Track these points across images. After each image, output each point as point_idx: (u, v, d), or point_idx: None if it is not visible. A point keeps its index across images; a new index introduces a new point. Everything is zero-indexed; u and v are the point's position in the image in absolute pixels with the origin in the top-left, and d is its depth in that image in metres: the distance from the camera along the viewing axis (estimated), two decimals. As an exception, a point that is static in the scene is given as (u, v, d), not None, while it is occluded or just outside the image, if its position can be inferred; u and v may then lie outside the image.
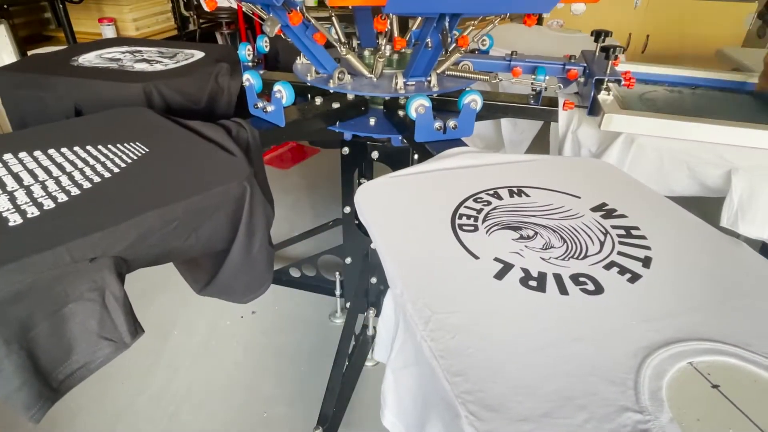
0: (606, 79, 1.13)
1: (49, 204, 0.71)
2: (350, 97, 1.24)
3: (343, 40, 1.16)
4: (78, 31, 2.65)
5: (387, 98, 1.28)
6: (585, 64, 1.27)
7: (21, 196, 0.73)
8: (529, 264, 0.69)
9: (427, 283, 0.65)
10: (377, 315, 1.66)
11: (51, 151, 0.87)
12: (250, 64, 1.37)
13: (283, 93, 1.08)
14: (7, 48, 2.27)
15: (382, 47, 1.22)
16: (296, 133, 1.16)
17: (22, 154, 0.85)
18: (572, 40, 2.05)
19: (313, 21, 1.06)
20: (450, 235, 0.75)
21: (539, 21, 2.67)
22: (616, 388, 0.50)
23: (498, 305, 0.61)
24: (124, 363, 1.60)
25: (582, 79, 1.29)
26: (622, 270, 0.68)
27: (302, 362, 1.66)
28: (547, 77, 1.23)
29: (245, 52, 1.35)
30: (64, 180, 0.78)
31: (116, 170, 0.82)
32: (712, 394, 0.50)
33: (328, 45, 1.14)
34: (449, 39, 0.97)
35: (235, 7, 1.23)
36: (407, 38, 1.31)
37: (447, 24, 0.96)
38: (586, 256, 0.71)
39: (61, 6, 2.47)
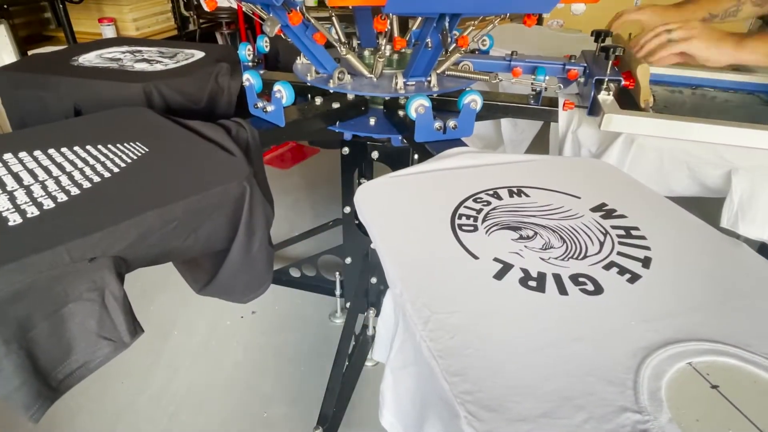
0: (606, 79, 1.13)
1: (48, 204, 0.71)
2: (350, 97, 1.24)
3: (343, 40, 1.17)
4: (78, 31, 2.65)
5: (387, 98, 1.28)
6: (585, 64, 1.27)
7: (21, 196, 0.73)
8: (528, 264, 0.69)
9: (426, 283, 0.65)
10: (377, 315, 1.66)
11: (51, 151, 0.87)
12: (250, 64, 1.37)
13: (283, 93, 1.08)
14: (7, 48, 2.27)
15: (382, 47, 1.22)
16: (296, 133, 1.17)
17: (22, 154, 0.85)
18: (576, 40, 2.05)
19: (313, 21, 1.06)
20: (450, 235, 0.75)
21: (539, 21, 2.67)
22: (615, 388, 0.50)
23: (497, 305, 0.61)
24: (124, 363, 1.60)
25: (582, 79, 1.29)
26: (622, 270, 0.68)
27: (302, 362, 1.66)
28: (547, 77, 1.23)
29: (245, 52, 1.35)
30: (64, 180, 0.78)
31: (116, 170, 0.82)
32: (711, 395, 0.50)
33: (328, 45, 1.14)
34: (449, 39, 0.97)
35: (235, 7, 1.24)
36: (407, 38, 1.31)
37: (447, 24, 0.96)
38: (585, 257, 0.71)
39: (61, 6, 2.48)
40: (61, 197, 0.73)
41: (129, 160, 0.85)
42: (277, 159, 3.01)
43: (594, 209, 0.83)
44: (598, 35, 1.27)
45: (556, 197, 0.86)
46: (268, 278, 0.98)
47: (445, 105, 1.25)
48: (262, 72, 1.41)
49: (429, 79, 1.16)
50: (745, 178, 1.07)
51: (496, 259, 0.70)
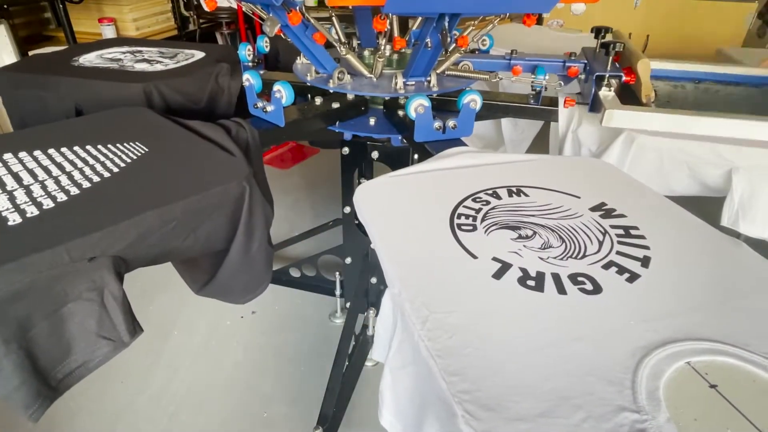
0: (606, 75, 1.13)
1: (48, 203, 0.71)
2: (350, 97, 1.24)
3: (343, 40, 1.17)
4: (78, 31, 2.65)
5: (387, 98, 1.28)
6: (585, 61, 1.27)
7: (20, 196, 0.73)
8: (527, 263, 0.69)
9: (425, 282, 0.65)
10: (377, 315, 1.66)
11: (51, 151, 0.87)
12: (250, 64, 1.37)
13: (283, 93, 1.08)
14: (7, 48, 2.27)
15: (382, 47, 1.22)
16: (296, 133, 1.17)
17: (22, 154, 0.85)
18: (576, 40, 2.04)
19: (312, 21, 1.06)
20: (449, 234, 0.75)
21: (539, 21, 2.67)
22: (613, 387, 0.50)
23: (496, 305, 0.62)
24: (124, 363, 1.60)
25: (582, 76, 1.28)
26: (621, 270, 0.68)
27: (302, 362, 1.66)
28: (548, 75, 1.23)
29: (245, 52, 1.35)
30: (64, 179, 0.78)
31: (116, 170, 0.82)
32: (709, 394, 0.50)
33: (328, 45, 1.14)
34: (449, 39, 0.97)
35: (235, 7, 1.24)
36: (407, 38, 1.31)
37: (446, 24, 0.96)
38: (584, 256, 0.71)
39: (61, 6, 2.47)
40: (61, 197, 0.73)
41: (129, 160, 0.85)
42: (277, 159, 3.01)
43: (593, 209, 0.83)
44: (598, 32, 1.26)
45: (556, 197, 0.86)
46: (267, 278, 0.98)
47: (444, 105, 1.25)
48: (262, 72, 1.41)
49: (429, 79, 1.16)
50: (745, 177, 1.07)
51: (495, 259, 0.70)
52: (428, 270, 0.67)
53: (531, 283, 0.65)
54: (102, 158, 0.86)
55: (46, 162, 0.83)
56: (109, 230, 0.66)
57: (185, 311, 1.84)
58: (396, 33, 1.22)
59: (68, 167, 0.82)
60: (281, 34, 1.11)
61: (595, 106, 1.16)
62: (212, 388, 1.56)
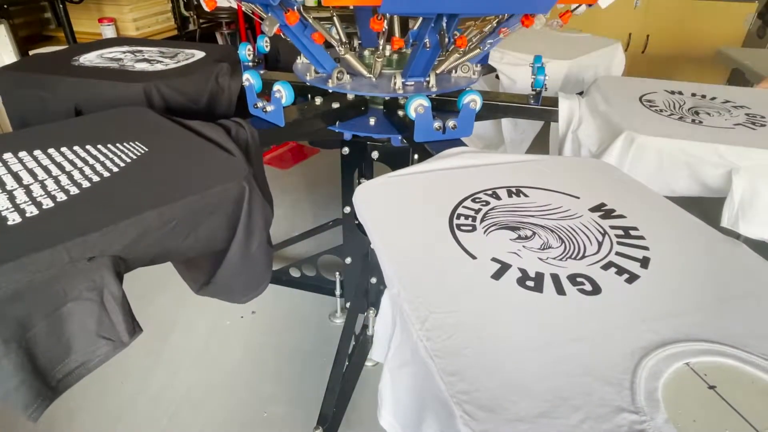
0: None
1: (48, 203, 0.71)
2: (350, 97, 1.24)
3: (343, 40, 1.17)
4: (78, 31, 2.65)
5: (387, 98, 1.28)
6: None
7: (20, 195, 0.73)
8: (526, 264, 0.69)
9: (424, 282, 0.65)
10: (377, 315, 1.66)
11: (51, 151, 0.87)
12: (250, 63, 1.37)
13: (283, 93, 1.08)
14: (7, 48, 2.27)
15: (381, 47, 1.22)
16: (296, 133, 1.17)
17: (22, 154, 0.85)
18: (579, 40, 2.02)
19: (311, 21, 1.06)
20: (448, 235, 0.75)
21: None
22: (612, 388, 0.50)
23: (495, 305, 0.62)
24: (124, 363, 1.60)
25: None
26: (620, 270, 0.68)
27: (302, 362, 1.66)
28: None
29: (245, 51, 1.35)
30: (64, 179, 0.78)
31: (115, 169, 0.82)
32: (708, 395, 0.50)
33: (329, 45, 1.14)
34: (447, 39, 0.97)
35: (235, 7, 1.24)
36: (405, 38, 1.31)
37: (444, 24, 0.96)
38: (584, 257, 0.71)
39: (61, 6, 2.47)
40: (61, 197, 0.73)
41: (128, 160, 0.86)
42: (277, 159, 3.01)
43: (593, 209, 0.83)
44: None
45: (555, 197, 0.86)
46: (267, 278, 0.98)
47: (444, 105, 1.26)
48: (262, 72, 1.41)
49: (428, 79, 1.16)
50: (745, 177, 1.07)
51: (494, 259, 0.70)
52: (427, 270, 0.68)
53: (530, 283, 0.65)
54: (102, 158, 0.86)
55: (45, 162, 0.83)
56: (109, 230, 0.66)
57: (185, 311, 1.84)
58: (397, 33, 1.22)
59: (68, 167, 0.82)
60: (281, 34, 1.11)
61: None
62: (212, 388, 1.56)
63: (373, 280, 1.53)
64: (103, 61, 1.35)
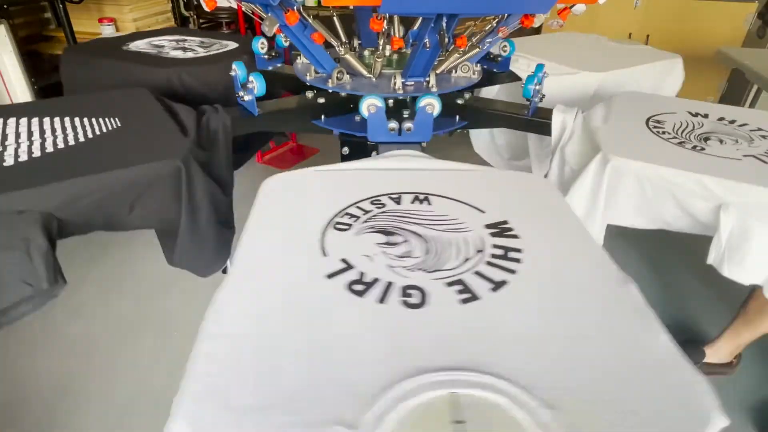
0: None
1: (9, 162, 0.82)
2: (342, 93, 1.25)
3: (343, 39, 1.17)
4: (78, 31, 2.65)
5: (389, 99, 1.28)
6: None
7: (-11, 153, 0.85)
8: (370, 269, 0.68)
9: (258, 267, 0.67)
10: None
11: (44, 120, 0.99)
12: (265, 56, 1.41)
13: (255, 84, 1.09)
14: (6, 48, 2.27)
15: (381, 47, 1.22)
16: (272, 123, 1.20)
17: (11, 120, 0.97)
18: (634, 52, 1.89)
19: (310, 21, 1.06)
20: (318, 231, 0.75)
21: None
22: (350, 401, 0.48)
23: (314, 302, 0.62)
24: (125, 363, 1.61)
25: None
26: (465, 290, 0.65)
27: (302, 362, 1.66)
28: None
29: (259, 45, 1.39)
30: (36, 144, 0.89)
31: (82, 139, 0.92)
32: (452, 429, 0.47)
33: (329, 44, 1.14)
34: (446, 39, 0.97)
35: (235, 7, 1.25)
36: (405, 38, 1.31)
37: (444, 24, 0.96)
38: (437, 270, 0.68)
39: (61, 6, 2.47)
40: (23, 158, 0.84)
41: (98, 133, 0.95)
42: (277, 159, 3.01)
43: (489, 225, 0.79)
44: None
45: (459, 209, 0.83)
46: (223, 256, 1.04)
47: (446, 105, 1.25)
48: (279, 65, 1.46)
49: (428, 79, 1.16)
50: (734, 214, 0.94)
51: (343, 260, 0.69)
52: (271, 259, 0.68)
53: (358, 287, 0.64)
54: (79, 128, 0.96)
55: (33, 128, 0.94)
56: (38, 189, 0.75)
57: (185, 312, 1.84)
58: (398, 33, 1.22)
59: (47, 134, 0.92)
60: (280, 34, 1.11)
61: None
62: (212, 388, 1.56)
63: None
64: (147, 47, 1.53)
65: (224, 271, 1.91)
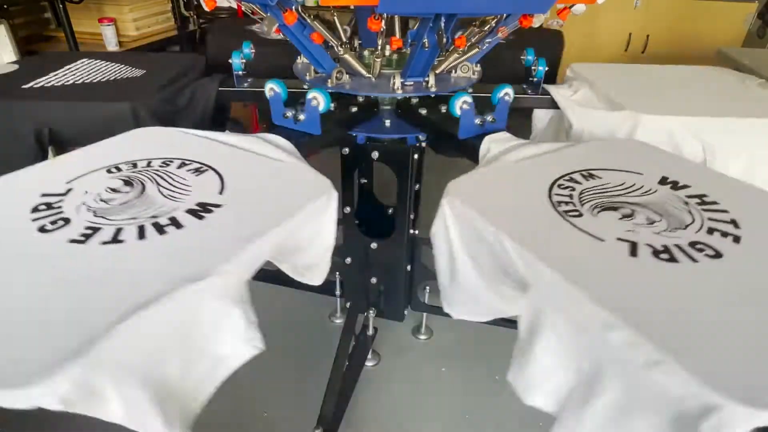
0: None
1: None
2: (359, 98, 1.25)
3: (343, 39, 1.17)
4: (78, 31, 2.65)
5: (399, 98, 1.28)
6: None
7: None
8: (648, 239, 0.70)
9: (571, 269, 0.65)
10: (377, 315, 1.67)
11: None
12: (241, 73, 1.37)
13: (320, 100, 1.08)
14: (6, 48, 2.27)
15: (380, 47, 1.22)
16: (324, 142, 1.18)
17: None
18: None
19: (309, 20, 1.06)
20: (562, 222, 0.75)
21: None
22: None
23: (645, 282, 0.63)
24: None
25: None
26: (724, 234, 0.71)
27: (302, 362, 1.66)
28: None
29: (239, 60, 1.36)
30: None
31: (103, 79, 1.35)
32: None
33: (328, 44, 1.14)
34: (445, 39, 0.97)
35: (235, 7, 1.25)
36: (404, 38, 1.31)
37: (443, 24, 0.96)
38: (687, 227, 0.73)
39: (61, 6, 2.48)
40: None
41: (118, 77, 1.37)
42: (277, 159, 3.00)
43: (661, 182, 0.86)
44: None
45: (624, 176, 0.88)
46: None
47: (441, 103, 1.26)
48: (249, 80, 1.41)
49: (427, 79, 1.16)
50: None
51: (619, 239, 0.70)
52: (566, 258, 0.67)
53: (664, 256, 0.67)
54: (109, 68, 1.42)
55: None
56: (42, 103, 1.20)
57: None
58: (397, 33, 1.22)
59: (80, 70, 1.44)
60: (279, 34, 1.11)
61: None
62: (212, 388, 1.56)
63: (374, 280, 1.54)
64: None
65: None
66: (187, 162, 0.91)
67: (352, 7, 1.19)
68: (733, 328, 0.55)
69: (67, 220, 0.73)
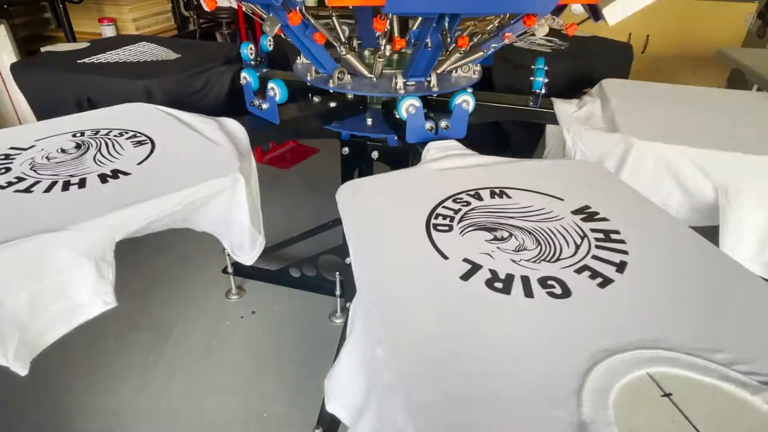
0: None
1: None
2: (349, 96, 1.24)
3: (343, 40, 1.16)
4: (78, 31, 2.65)
5: (385, 98, 1.28)
6: None
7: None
8: (498, 266, 0.68)
9: (391, 281, 0.65)
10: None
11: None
12: (252, 62, 1.40)
13: (277, 91, 1.09)
14: (7, 48, 2.27)
15: (382, 47, 1.22)
16: (292, 132, 1.22)
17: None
18: None
19: (312, 21, 1.06)
20: (423, 234, 0.75)
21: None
22: (562, 393, 0.49)
23: (460, 306, 0.61)
24: (124, 363, 1.60)
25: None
26: (594, 274, 0.67)
27: (302, 362, 1.65)
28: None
29: (247, 50, 1.38)
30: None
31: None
32: (663, 404, 0.49)
33: (329, 45, 1.14)
34: (449, 39, 0.97)
35: (235, 7, 1.26)
36: (406, 38, 1.31)
37: (446, 24, 0.96)
38: (558, 259, 0.70)
39: (61, 6, 2.48)
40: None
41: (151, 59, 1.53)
42: (277, 159, 3.01)
43: (576, 211, 0.82)
44: None
45: (539, 199, 0.85)
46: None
47: (444, 106, 1.25)
48: (265, 71, 1.44)
49: (429, 79, 1.16)
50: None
51: (465, 260, 0.69)
52: (397, 269, 0.67)
53: (498, 285, 0.65)
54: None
55: None
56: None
57: (185, 311, 1.84)
58: (397, 33, 1.22)
59: None
60: (281, 34, 1.11)
61: (597, 13, 1.11)
62: (212, 388, 1.56)
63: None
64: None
65: (224, 271, 1.92)
66: (138, 135, 1.03)
67: (351, 7, 1.19)
68: (483, 372, 0.52)
69: (8, 169, 0.88)
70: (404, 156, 1.34)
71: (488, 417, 0.47)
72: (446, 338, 0.56)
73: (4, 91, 2.32)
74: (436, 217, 0.79)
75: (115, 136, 1.02)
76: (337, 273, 1.75)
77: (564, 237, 0.75)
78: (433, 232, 0.75)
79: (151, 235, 1.05)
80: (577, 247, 0.73)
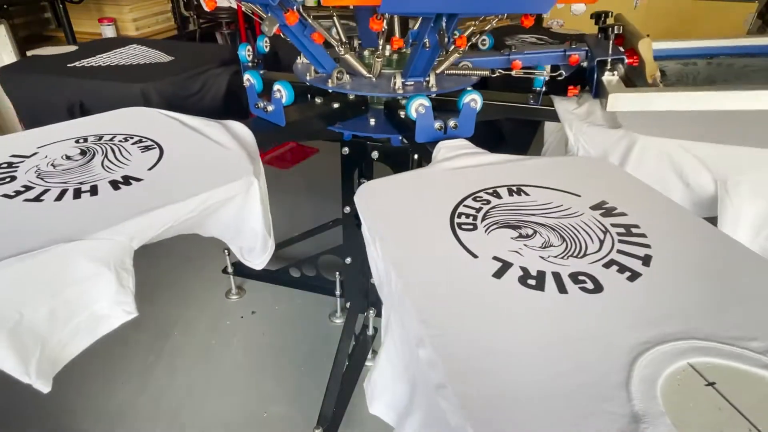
0: (608, 60, 1.10)
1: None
2: (350, 96, 1.24)
3: (343, 39, 1.16)
4: (78, 31, 2.65)
5: (385, 98, 1.28)
6: (587, 48, 1.23)
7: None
8: (528, 263, 0.69)
9: (425, 281, 0.65)
10: (377, 315, 1.66)
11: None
12: (249, 64, 1.39)
13: (283, 93, 1.08)
14: (7, 48, 2.27)
15: (381, 47, 1.22)
16: (297, 133, 1.21)
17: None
18: None
19: (310, 20, 1.06)
20: (449, 234, 0.75)
21: (538, 21, 2.67)
22: (610, 387, 0.50)
23: (496, 303, 0.62)
24: (124, 363, 1.61)
25: (585, 64, 1.24)
26: (622, 268, 0.68)
27: (302, 362, 1.66)
28: (547, 68, 1.21)
29: (245, 52, 1.37)
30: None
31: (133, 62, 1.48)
32: (708, 393, 0.50)
33: (328, 44, 1.14)
34: (447, 39, 0.97)
35: (235, 7, 1.26)
36: (405, 38, 1.31)
37: (444, 24, 0.96)
38: (585, 255, 0.71)
39: (61, 6, 2.48)
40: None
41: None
42: (277, 159, 3.01)
43: (594, 207, 0.83)
44: (598, 17, 1.24)
45: (556, 195, 0.86)
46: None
47: (445, 105, 1.25)
48: (262, 72, 1.42)
49: (428, 79, 1.16)
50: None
51: (495, 258, 0.69)
52: (428, 269, 0.68)
53: (532, 282, 0.65)
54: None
55: None
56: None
57: (185, 311, 1.85)
58: (397, 33, 1.22)
59: None
60: (280, 34, 1.11)
61: (600, 92, 1.12)
62: (212, 388, 1.56)
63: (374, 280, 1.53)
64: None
65: (224, 271, 1.92)
66: (144, 139, 1.00)
67: (351, 6, 1.19)
68: (528, 369, 0.52)
69: (13, 178, 0.85)
70: (404, 156, 1.34)
71: (543, 415, 0.47)
72: (487, 336, 0.56)
73: (5, 98, 2.33)
74: (459, 216, 0.79)
75: (120, 141, 1.00)
76: (337, 273, 1.75)
77: (587, 232, 0.76)
78: (458, 231, 0.76)
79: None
80: (601, 242, 0.74)
